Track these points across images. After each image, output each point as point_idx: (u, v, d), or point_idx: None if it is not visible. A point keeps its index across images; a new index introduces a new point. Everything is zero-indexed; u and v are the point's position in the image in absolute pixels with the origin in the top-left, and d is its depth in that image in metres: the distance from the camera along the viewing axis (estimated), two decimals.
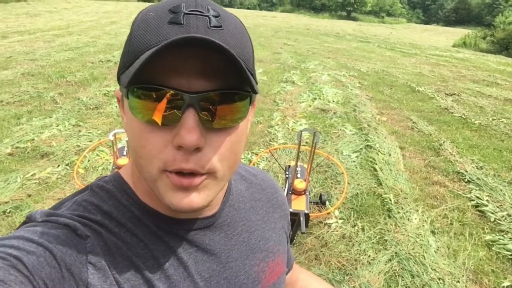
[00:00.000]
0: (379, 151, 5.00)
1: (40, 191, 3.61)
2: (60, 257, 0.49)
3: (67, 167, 4.05)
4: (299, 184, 3.25)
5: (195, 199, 0.52)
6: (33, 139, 4.61)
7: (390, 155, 4.93)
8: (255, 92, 0.52)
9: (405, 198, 3.92)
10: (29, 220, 0.57)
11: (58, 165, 4.07)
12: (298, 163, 3.48)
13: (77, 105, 5.94)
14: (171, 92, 0.47)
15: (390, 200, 3.85)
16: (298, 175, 3.38)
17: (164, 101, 0.47)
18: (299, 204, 3.18)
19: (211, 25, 0.48)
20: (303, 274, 1.01)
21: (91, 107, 5.92)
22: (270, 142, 5.14)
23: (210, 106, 0.49)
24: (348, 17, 55.26)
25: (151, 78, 0.47)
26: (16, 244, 0.48)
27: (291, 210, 3.12)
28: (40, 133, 4.80)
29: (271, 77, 9.08)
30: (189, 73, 0.48)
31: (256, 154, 4.72)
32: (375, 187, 4.14)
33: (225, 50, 0.45)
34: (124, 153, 3.39)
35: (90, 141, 4.71)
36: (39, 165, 4.06)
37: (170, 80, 0.47)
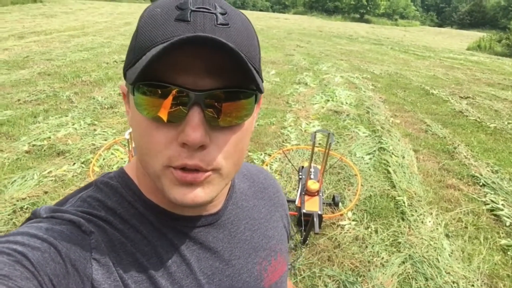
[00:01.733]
0: (392, 154, 4.97)
1: (56, 188, 3.66)
2: (64, 253, 0.49)
3: (83, 165, 4.11)
4: (313, 185, 3.26)
5: (199, 194, 0.52)
6: (49, 137, 4.68)
7: (403, 157, 4.91)
8: (261, 92, 0.52)
9: (419, 201, 3.90)
10: (33, 216, 0.57)
11: (74, 163, 4.13)
12: (312, 164, 3.48)
13: (92, 105, 6.01)
14: (177, 89, 0.47)
15: (404, 202, 3.83)
16: (312, 176, 3.38)
17: (170, 98, 0.47)
18: (313, 205, 3.19)
19: (218, 22, 0.49)
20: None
21: (106, 107, 5.99)
22: (283, 143, 5.15)
23: (216, 104, 0.49)
24: (361, 20, 54.98)
25: (157, 75, 0.47)
26: (21, 240, 0.48)
27: (304, 210, 3.13)
28: (56, 131, 4.87)
29: (284, 79, 9.09)
30: (195, 71, 0.48)
31: (269, 155, 4.73)
32: (389, 189, 4.12)
33: (231, 49, 0.45)
34: None
35: (105, 140, 4.76)
36: (55, 162, 4.12)
37: (176, 78, 0.48)
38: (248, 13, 55.94)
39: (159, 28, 0.48)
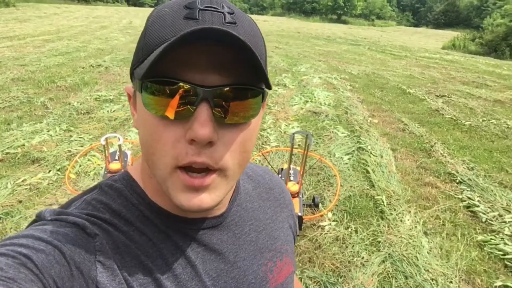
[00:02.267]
0: (371, 153, 5.02)
1: (31, 197, 3.57)
2: (69, 255, 0.49)
3: (58, 173, 4.02)
4: (292, 186, 3.25)
5: (205, 199, 0.52)
6: (23, 145, 4.57)
7: (382, 157, 4.96)
8: (269, 88, 0.53)
9: (397, 199, 3.94)
10: (38, 218, 0.57)
11: (49, 171, 4.04)
12: (291, 166, 3.48)
13: (67, 110, 5.90)
14: (185, 86, 0.47)
15: (383, 201, 3.87)
16: (291, 178, 3.38)
17: (177, 97, 0.47)
18: None
19: (226, 21, 0.49)
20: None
21: (82, 112, 5.88)
22: (263, 145, 5.14)
23: (223, 103, 0.49)
24: (339, 21, 55.55)
25: (165, 72, 0.47)
26: (25, 242, 0.48)
27: None
28: (30, 138, 4.76)
29: None
30: (203, 68, 0.48)
31: None
32: (368, 189, 4.16)
33: (240, 42, 0.45)
34: (116, 157, 3.37)
35: (82, 146, 4.68)
36: (30, 170, 4.03)
37: (184, 74, 0.48)
38: None
39: (167, 26, 0.49)
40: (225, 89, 0.49)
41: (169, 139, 0.50)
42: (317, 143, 5.36)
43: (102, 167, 4.11)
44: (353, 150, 5.15)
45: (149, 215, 0.60)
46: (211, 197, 0.53)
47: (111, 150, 3.53)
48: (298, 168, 3.56)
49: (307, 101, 7.46)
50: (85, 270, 0.50)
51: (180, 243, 0.60)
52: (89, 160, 4.31)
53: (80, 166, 4.18)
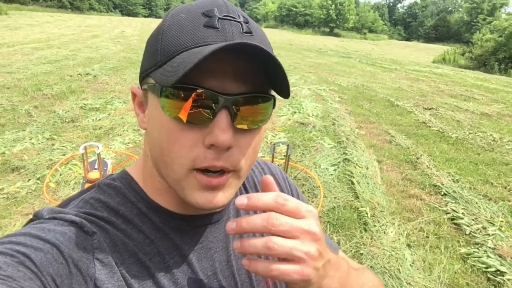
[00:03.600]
0: (356, 165, 5.00)
1: (7, 206, 3.49)
2: (67, 253, 0.49)
3: (38, 181, 3.94)
4: None
5: (220, 198, 0.54)
6: (3, 153, 4.48)
7: (367, 168, 4.94)
8: (288, 96, 0.54)
9: (381, 211, 3.91)
10: (36, 217, 0.57)
11: (29, 179, 3.96)
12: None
13: (52, 118, 5.82)
14: (206, 93, 0.49)
15: (367, 213, 3.83)
16: None
17: (190, 101, 0.49)
18: None
19: (244, 31, 0.51)
20: None
21: (67, 120, 5.81)
22: None
23: (242, 108, 0.51)
24: (331, 33, 56.11)
25: (187, 79, 0.48)
26: (23, 241, 0.49)
27: None
28: (12, 146, 4.68)
29: None
30: (223, 75, 0.50)
31: None
32: (352, 200, 4.12)
33: (266, 52, 0.47)
34: (95, 166, 3.31)
35: (64, 154, 4.60)
36: (8, 179, 3.94)
37: (205, 81, 0.49)
38: None
39: (188, 33, 0.50)
40: (245, 97, 0.51)
41: (187, 143, 0.51)
42: (303, 154, 5.33)
43: (83, 176, 4.04)
44: (339, 161, 5.13)
45: (147, 213, 0.61)
46: (225, 195, 0.55)
47: (92, 158, 3.47)
48: None
49: (295, 112, 7.46)
50: (83, 267, 0.51)
51: (177, 241, 0.61)
52: (70, 169, 4.24)
53: (60, 175, 4.10)
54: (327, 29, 59.40)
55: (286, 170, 3.25)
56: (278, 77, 0.51)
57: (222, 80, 0.49)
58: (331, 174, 4.73)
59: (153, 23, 38.02)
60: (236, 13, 0.52)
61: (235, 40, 0.49)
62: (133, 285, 0.55)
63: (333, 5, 57.91)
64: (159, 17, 70.24)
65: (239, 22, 0.51)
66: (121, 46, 15.43)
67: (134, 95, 0.62)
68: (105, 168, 3.38)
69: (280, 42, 26.23)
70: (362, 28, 67.10)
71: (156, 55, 0.53)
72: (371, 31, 68.44)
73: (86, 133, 5.39)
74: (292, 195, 0.84)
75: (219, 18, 0.50)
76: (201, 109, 0.49)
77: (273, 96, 0.55)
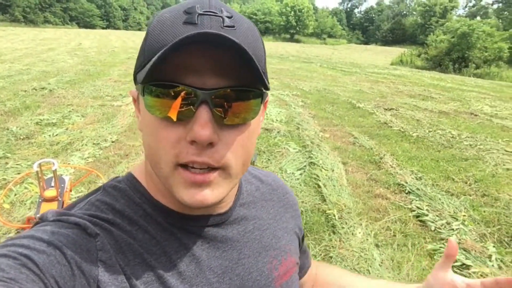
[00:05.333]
0: (322, 168, 5.01)
1: None
2: (70, 255, 0.49)
3: None
4: None
5: (208, 196, 0.53)
6: None
7: (333, 170, 4.96)
8: (267, 89, 0.55)
9: (348, 213, 3.92)
10: (41, 220, 0.57)
11: None
12: None
13: (5, 136, 5.54)
14: (186, 89, 0.49)
15: (334, 215, 3.83)
16: None
17: (179, 99, 0.48)
18: None
19: (225, 24, 0.50)
20: (321, 266, 1.02)
21: (22, 137, 5.54)
22: None
23: (225, 103, 0.50)
24: (292, 39, 56.87)
25: (166, 76, 0.49)
26: (26, 243, 0.49)
27: None
28: None
29: None
30: (202, 71, 0.49)
31: None
32: (319, 203, 4.12)
33: (237, 45, 0.46)
34: (52, 184, 3.16)
35: (18, 173, 4.37)
36: None
37: (184, 78, 0.49)
38: None
39: (167, 31, 0.50)
40: (225, 90, 0.50)
41: (170, 139, 0.51)
42: (268, 159, 5.30)
43: (39, 195, 3.85)
44: (305, 165, 5.13)
45: (152, 213, 0.60)
46: (214, 193, 0.54)
47: (49, 176, 3.30)
48: None
49: None
50: (86, 269, 0.50)
51: (184, 240, 0.61)
52: (25, 188, 4.03)
53: (15, 195, 3.89)
54: (288, 36, 60.18)
55: None
56: (253, 69, 0.49)
57: (202, 76, 0.49)
58: (298, 179, 4.72)
59: (111, 35, 37.37)
60: (218, 8, 0.51)
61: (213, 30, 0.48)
62: (138, 286, 0.54)
63: (293, 12, 58.77)
64: (117, 28, 69.15)
65: (220, 16, 0.50)
66: (78, 59, 15.01)
67: (133, 99, 0.62)
68: (62, 185, 3.22)
69: None
70: (321, 33, 68.40)
71: (141, 56, 0.54)
72: (330, 36, 69.87)
73: (43, 150, 5.16)
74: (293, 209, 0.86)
75: (199, 14, 0.50)
76: (183, 105, 0.49)
77: (260, 90, 0.54)
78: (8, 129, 5.86)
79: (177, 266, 0.58)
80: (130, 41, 29.61)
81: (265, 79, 0.52)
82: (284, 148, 5.77)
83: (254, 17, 65.55)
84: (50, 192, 3.08)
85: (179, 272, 0.58)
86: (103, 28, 66.39)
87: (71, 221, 0.55)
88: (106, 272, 0.52)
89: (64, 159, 4.87)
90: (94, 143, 5.48)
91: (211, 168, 0.52)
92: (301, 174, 4.87)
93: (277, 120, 7.35)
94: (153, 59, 0.47)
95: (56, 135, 5.79)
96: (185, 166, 0.52)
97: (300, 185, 4.55)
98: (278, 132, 6.56)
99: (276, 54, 23.67)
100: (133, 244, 0.57)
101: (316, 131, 6.77)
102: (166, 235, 0.60)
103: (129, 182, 0.64)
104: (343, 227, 3.65)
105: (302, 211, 3.91)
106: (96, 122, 6.64)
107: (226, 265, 0.64)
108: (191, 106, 0.49)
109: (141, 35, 46.42)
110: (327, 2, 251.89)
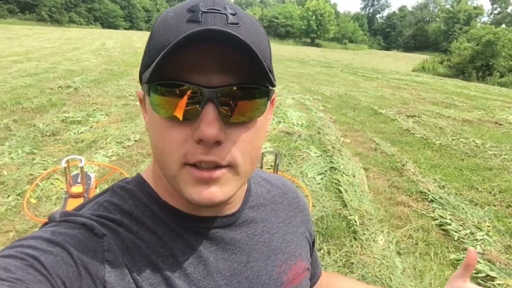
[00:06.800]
0: (343, 173, 4.99)
1: None
2: (76, 255, 0.50)
3: (18, 197, 3.81)
4: None
5: (216, 193, 0.52)
6: None
7: (354, 176, 4.93)
8: (273, 86, 0.54)
9: (370, 219, 3.89)
10: (49, 221, 0.57)
11: (8, 195, 3.82)
12: None
13: (32, 132, 5.67)
14: (191, 88, 0.48)
15: (355, 221, 3.81)
16: None
17: (185, 98, 0.48)
18: None
19: (229, 22, 0.50)
20: (333, 277, 1.00)
21: (48, 134, 5.67)
22: None
23: (231, 101, 0.50)
24: (312, 44, 56.74)
25: (171, 75, 0.49)
26: (33, 244, 0.49)
27: None
28: None
29: None
30: (208, 69, 0.49)
31: None
32: (340, 209, 4.10)
33: (242, 42, 0.46)
34: (78, 180, 3.22)
35: (45, 169, 4.47)
36: None
37: (189, 76, 0.49)
38: None
39: (171, 30, 0.50)
40: (231, 88, 0.50)
41: (177, 139, 0.51)
42: (289, 163, 5.30)
43: (65, 191, 3.93)
44: (326, 170, 5.11)
45: (160, 214, 0.60)
46: (222, 191, 0.53)
47: (74, 172, 3.37)
48: None
49: (280, 122, 7.45)
50: (93, 270, 0.50)
51: (192, 242, 0.60)
52: (51, 183, 4.12)
53: (41, 190, 3.98)
54: (308, 40, 60.09)
55: None
56: (258, 66, 0.49)
57: (208, 74, 0.49)
58: (318, 183, 4.71)
59: (134, 35, 37.88)
60: (222, 6, 0.51)
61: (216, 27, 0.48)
62: (145, 287, 0.54)
63: (314, 16, 58.66)
64: (140, 29, 70.04)
65: (224, 13, 0.50)
66: (102, 58, 15.28)
67: (140, 100, 0.62)
68: (88, 181, 3.28)
69: None
70: (342, 38, 68.06)
71: (146, 56, 0.54)
72: (351, 41, 69.47)
73: (68, 147, 5.27)
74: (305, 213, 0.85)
75: (203, 12, 0.49)
76: (189, 104, 0.49)
77: (266, 87, 0.53)
78: (35, 125, 6.00)
79: (185, 268, 0.58)
80: None
81: (271, 76, 0.51)
82: (305, 152, 5.76)
83: (276, 20, 65.68)
84: (77, 189, 3.14)
85: (186, 274, 0.58)
86: (126, 28, 67.33)
87: (78, 222, 0.55)
88: (112, 273, 0.52)
89: (88, 156, 4.96)
90: (117, 142, 5.57)
91: (218, 166, 0.52)
92: (322, 178, 4.86)
93: (298, 124, 7.35)
94: (158, 58, 0.47)
95: (81, 132, 5.90)
96: (192, 165, 0.52)
97: (321, 189, 4.54)
98: (299, 136, 6.55)
99: (297, 58, 23.67)
100: (140, 245, 0.57)
101: (337, 136, 6.74)
102: (173, 236, 0.59)
103: (137, 183, 0.63)
104: (364, 234, 3.62)
105: (323, 215, 3.90)
106: (120, 121, 6.75)
107: (234, 267, 0.63)
108: (197, 105, 0.49)
109: None
110: (349, 6, 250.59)
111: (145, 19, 77.84)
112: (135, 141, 5.74)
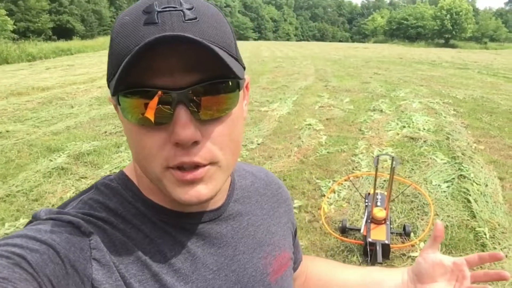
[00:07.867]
0: (474, 181, 4.59)
1: None
2: (63, 253, 0.49)
3: None
4: (379, 212, 3.10)
5: (202, 191, 0.53)
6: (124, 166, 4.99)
7: (486, 185, 4.51)
8: (239, 78, 0.53)
9: (503, 232, 3.53)
10: (33, 219, 0.57)
11: None
12: (378, 191, 3.34)
13: None
14: (159, 92, 0.48)
15: (485, 234, 3.49)
16: (378, 203, 3.23)
17: (155, 98, 0.48)
18: (378, 234, 3.03)
19: (186, 18, 0.49)
20: (311, 259, 1.02)
21: None
22: (353, 171, 5.00)
23: (201, 99, 0.50)
24: (446, 45, 52.69)
25: (137, 81, 0.48)
26: (19, 242, 0.49)
27: (369, 239, 2.98)
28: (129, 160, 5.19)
29: (358, 106, 8.92)
30: (172, 70, 0.48)
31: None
32: (468, 219, 3.79)
33: (201, 44, 0.46)
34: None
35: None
36: None
37: (155, 80, 0.48)
38: (326, 44, 56.16)
39: (130, 35, 0.49)
40: (198, 87, 0.49)
41: (155, 144, 0.51)
42: (412, 169, 5.06)
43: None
44: (453, 178, 4.76)
45: (145, 212, 0.60)
46: (208, 188, 0.53)
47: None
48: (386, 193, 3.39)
49: (404, 126, 7.12)
50: (80, 268, 0.50)
51: (178, 238, 0.61)
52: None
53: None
54: (442, 41, 55.97)
55: (391, 183, 3.12)
56: (219, 61, 0.48)
57: (173, 76, 0.48)
58: (444, 191, 4.41)
59: (262, 45, 39.55)
60: (178, 1, 0.50)
61: (175, 31, 0.47)
62: (133, 284, 0.54)
63: (448, 15, 54.44)
64: (268, 39, 72.66)
65: (180, 10, 0.49)
66: None
67: (115, 106, 0.59)
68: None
69: (390, 56, 25.38)
70: (482, 37, 61.93)
71: (109, 65, 0.53)
72: (492, 39, 62.81)
73: None
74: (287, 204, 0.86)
75: (158, 12, 0.49)
76: (159, 109, 0.48)
77: (235, 79, 0.52)
78: None
79: (173, 264, 0.58)
80: (278, 51, 30.89)
81: (234, 68, 0.49)
82: (431, 158, 5.43)
83: (405, 22, 62.66)
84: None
85: (174, 269, 0.58)
86: (255, 39, 70.56)
87: (65, 220, 0.54)
88: (100, 271, 0.52)
89: None
90: (242, 145, 5.89)
91: (200, 166, 0.52)
92: (448, 186, 4.54)
93: (424, 129, 6.94)
94: (120, 68, 0.47)
95: None
96: (175, 167, 0.52)
97: (447, 198, 4.25)
98: (424, 141, 6.20)
99: (427, 61, 22.23)
100: (127, 243, 0.56)
101: (469, 142, 6.20)
102: (160, 233, 0.59)
103: (120, 181, 0.63)
104: (495, 248, 3.31)
105: (447, 225, 3.66)
106: (245, 125, 7.12)
107: (221, 261, 0.64)
108: (168, 108, 0.49)
109: (289, 45, 47.95)
110: (490, 2, 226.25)
111: (273, 29, 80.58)
112: (258, 144, 6.03)
